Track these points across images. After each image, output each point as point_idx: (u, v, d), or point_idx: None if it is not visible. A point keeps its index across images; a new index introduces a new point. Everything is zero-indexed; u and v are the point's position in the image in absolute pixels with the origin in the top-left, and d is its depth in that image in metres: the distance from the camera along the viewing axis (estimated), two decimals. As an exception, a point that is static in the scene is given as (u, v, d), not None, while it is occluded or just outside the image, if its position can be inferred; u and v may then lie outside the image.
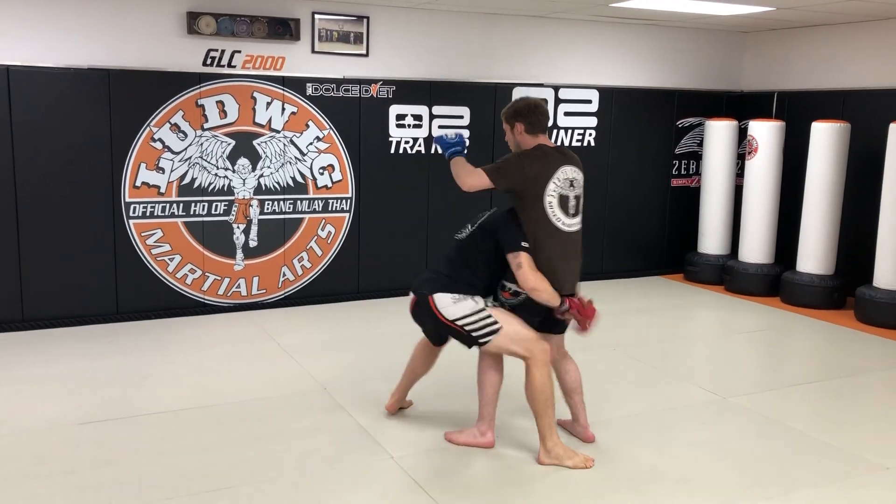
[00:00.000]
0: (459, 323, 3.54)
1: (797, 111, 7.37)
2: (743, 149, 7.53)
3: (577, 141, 7.39)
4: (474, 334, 3.54)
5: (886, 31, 6.82)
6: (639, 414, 4.26)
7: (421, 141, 6.70)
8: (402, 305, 6.48)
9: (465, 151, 3.72)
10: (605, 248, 7.76)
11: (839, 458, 3.78)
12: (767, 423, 4.20)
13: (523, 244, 3.50)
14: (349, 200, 6.51)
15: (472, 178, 3.58)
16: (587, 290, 7.66)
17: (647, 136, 7.81)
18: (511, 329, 3.53)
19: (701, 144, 7.92)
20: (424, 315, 3.69)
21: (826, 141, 6.64)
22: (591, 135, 7.47)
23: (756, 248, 7.26)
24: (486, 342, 3.55)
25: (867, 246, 6.51)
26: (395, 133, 6.60)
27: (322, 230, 6.44)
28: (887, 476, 3.60)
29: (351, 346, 5.39)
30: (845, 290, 6.76)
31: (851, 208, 6.86)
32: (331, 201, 6.44)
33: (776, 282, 7.11)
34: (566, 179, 3.60)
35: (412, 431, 3.93)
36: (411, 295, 3.76)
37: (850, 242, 6.89)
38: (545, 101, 3.88)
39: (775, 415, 4.30)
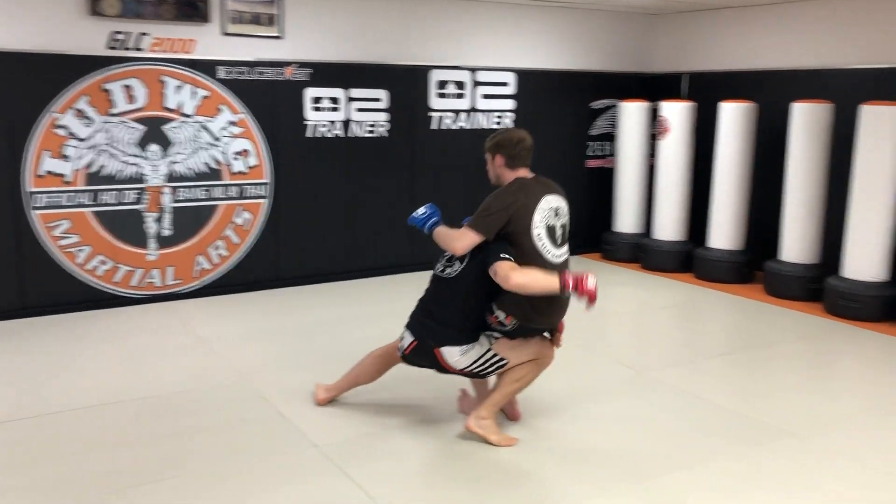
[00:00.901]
0: (468, 370, 3.57)
1: (706, 92, 7.58)
2: (655, 129, 7.71)
3: (496, 123, 7.43)
4: (483, 373, 3.61)
5: (791, 14, 7.08)
6: (559, 391, 4.32)
7: (339, 124, 6.61)
8: (323, 293, 6.53)
9: (440, 219, 3.64)
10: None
11: (751, 427, 3.94)
12: (683, 395, 4.33)
13: (502, 255, 3.41)
14: (266, 186, 6.37)
15: (460, 242, 3.46)
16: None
17: (563, 118, 7.91)
18: (517, 356, 3.59)
19: (615, 126, 8.07)
20: (424, 358, 3.65)
21: (734, 120, 6.86)
22: (508, 117, 7.51)
23: (669, 226, 7.47)
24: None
25: (774, 221, 6.77)
26: (311, 116, 6.49)
27: (238, 217, 6.29)
28: (796, 442, 3.77)
29: (272, 336, 5.30)
30: (754, 264, 7.02)
31: (759, 185, 7.11)
32: (247, 187, 6.29)
33: (689, 258, 7.33)
34: (550, 209, 3.56)
35: (336, 420, 3.90)
36: (408, 337, 3.66)
37: (758, 218, 7.15)
38: (526, 132, 3.77)
39: (690, 388, 4.44)
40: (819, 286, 6.23)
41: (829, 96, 6.40)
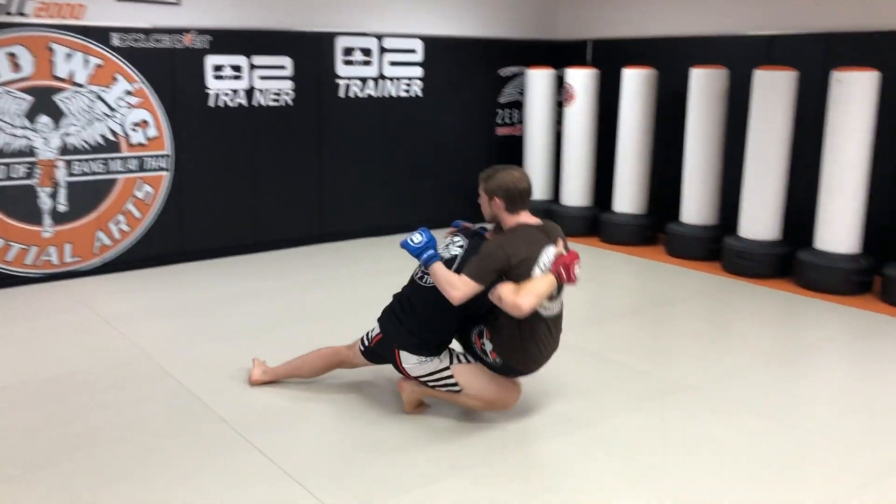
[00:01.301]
0: (422, 379, 3.51)
1: (610, 58, 7.72)
2: (561, 97, 7.81)
3: (404, 91, 7.38)
4: (433, 387, 3.52)
5: (686, -18, 7.26)
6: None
7: (241, 93, 6.44)
8: (229, 267, 6.39)
9: (436, 252, 3.35)
10: (434, 198, 7.86)
11: (653, 382, 4.09)
12: (589, 355, 4.45)
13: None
14: (167, 158, 6.17)
15: (457, 291, 3.23)
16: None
17: (472, 85, 7.92)
18: (475, 389, 3.45)
19: (523, 93, 8.14)
20: (385, 353, 3.58)
21: (635, 86, 7.02)
22: (416, 85, 7.47)
23: (576, 191, 7.61)
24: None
25: (675, 185, 6.98)
26: (213, 85, 6.29)
27: (139, 191, 6.07)
28: (695, 394, 3.93)
29: (177, 312, 5.17)
30: (657, 227, 7.24)
31: (660, 150, 7.31)
32: (147, 159, 6.07)
33: (596, 223, 7.50)
34: (550, 262, 3.42)
35: (245, 394, 3.85)
36: (377, 329, 3.61)
37: (660, 182, 7.36)
38: (526, 174, 3.54)
39: (596, 348, 4.57)
40: (717, 246, 6.48)
41: (726, 62, 6.61)
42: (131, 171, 6.01)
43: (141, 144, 6.02)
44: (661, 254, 6.90)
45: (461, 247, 3.49)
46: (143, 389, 3.91)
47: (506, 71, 8.15)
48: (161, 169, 6.15)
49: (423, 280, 3.50)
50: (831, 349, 4.73)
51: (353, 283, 5.89)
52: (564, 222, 7.52)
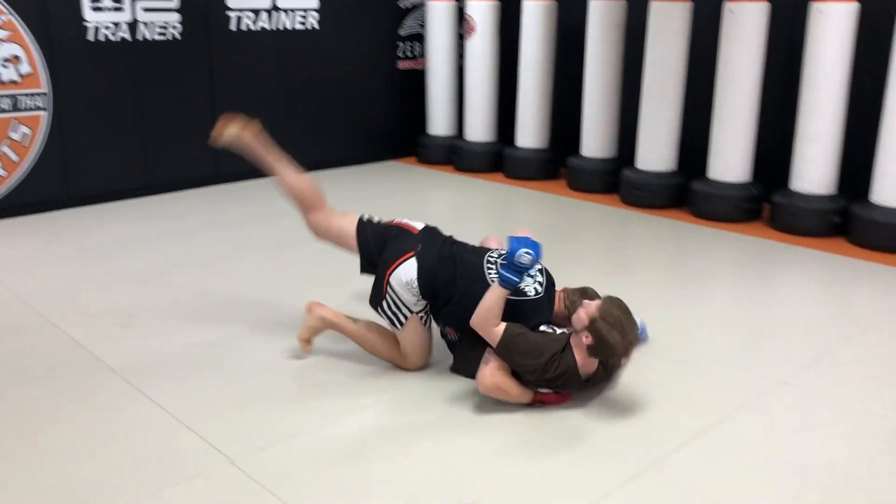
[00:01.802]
0: (388, 290, 3.24)
1: (510, -9, 7.61)
2: (462, 29, 7.68)
3: (300, 24, 7.10)
4: (383, 304, 3.28)
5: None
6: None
7: (124, 26, 6.05)
8: (119, 211, 6.10)
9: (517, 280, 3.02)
10: (337, 136, 7.68)
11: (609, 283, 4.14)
12: (491, 289, 4.46)
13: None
14: (44, 97, 5.77)
15: (484, 330, 3.01)
16: (324, 178, 7.57)
17: (371, 17, 7.69)
18: (407, 342, 3.31)
19: (423, 25, 7.96)
20: (393, 244, 3.33)
21: (536, 19, 6.95)
22: (312, 16, 7.20)
23: (479, 126, 7.56)
24: (382, 317, 3.33)
25: (575, 119, 7.01)
26: (91, 17, 5.89)
27: (15, 132, 5.68)
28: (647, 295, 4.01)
29: (61, 260, 4.90)
30: (559, 161, 7.28)
31: (561, 84, 7.32)
32: (21, 98, 5.66)
33: (499, 158, 7.49)
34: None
35: (135, 344, 3.69)
36: (419, 224, 3.45)
37: (561, 116, 7.38)
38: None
39: (498, 281, 4.58)
40: (616, 179, 6.58)
41: (623, -6, 6.60)
42: (4, 111, 5.60)
43: (13, 82, 5.60)
44: (562, 188, 6.97)
45: (539, 285, 3.26)
46: (26, 340, 3.70)
47: (405, 2, 7.95)
48: (38, 108, 5.75)
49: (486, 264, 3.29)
50: (721, 274, 4.89)
51: (248, 224, 5.72)
52: (469, 158, 7.52)
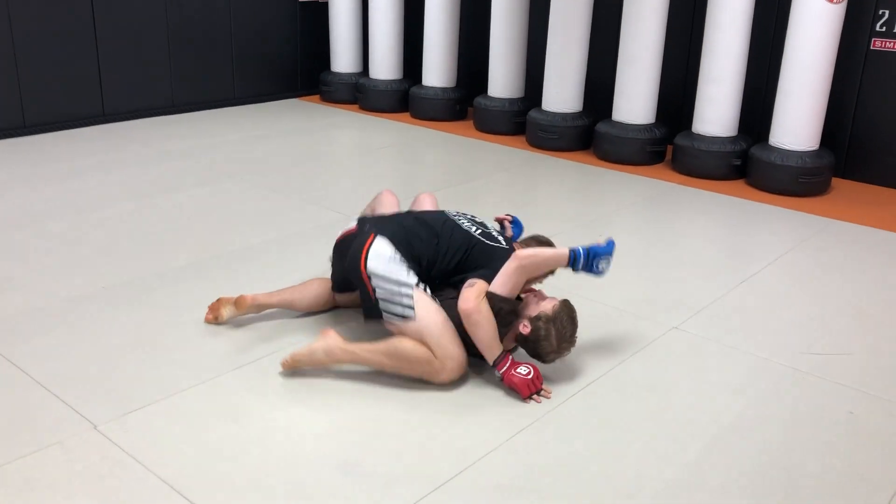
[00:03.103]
0: (373, 282, 2.85)
1: (416, -79, 7.28)
2: (367, -39, 7.32)
3: (190, -49, 6.63)
4: (381, 305, 2.85)
5: None
6: (267, 242, 4.12)
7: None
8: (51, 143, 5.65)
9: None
10: (236, 73, 7.28)
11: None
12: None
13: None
14: None
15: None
16: (219, 117, 7.19)
17: (268, -54, 7.26)
18: (428, 323, 2.76)
19: (325, -44, 7.56)
20: (348, 249, 2.98)
21: (441, -48, 6.67)
22: (204, -56, 6.73)
23: (385, 64, 7.28)
24: (389, 322, 2.86)
25: (483, 57, 6.82)
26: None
27: None
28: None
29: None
30: (466, 101, 7.10)
31: (469, 21, 7.09)
32: None
33: (405, 97, 7.25)
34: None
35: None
36: (353, 223, 3.07)
37: (469, 55, 7.18)
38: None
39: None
40: (523, 120, 6.45)
41: (531, -73, 6.38)
42: None
43: None
44: (469, 129, 6.81)
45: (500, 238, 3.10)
46: None
47: (306, -69, 7.53)
48: None
49: (460, 219, 3.09)
50: (622, 217, 4.85)
51: (132, 167, 5.37)
52: (374, 97, 7.26)
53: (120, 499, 2.20)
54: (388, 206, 3.39)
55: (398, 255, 2.87)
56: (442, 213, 3.19)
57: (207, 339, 3.10)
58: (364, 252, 2.89)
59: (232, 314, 3.15)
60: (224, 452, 2.42)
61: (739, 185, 5.44)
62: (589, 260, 2.92)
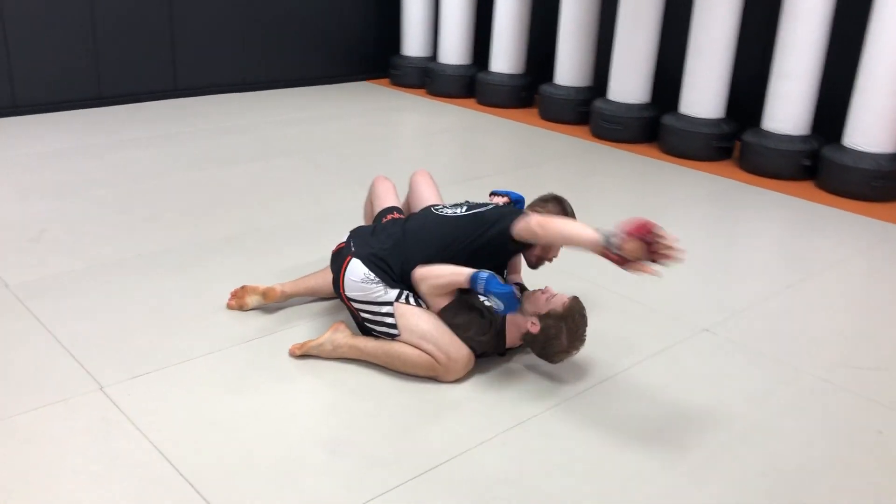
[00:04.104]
0: (355, 305, 2.84)
1: None
2: (442, -56, 7.27)
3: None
4: (368, 326, 2.83)
5: None
6: (307, 219, 4.15)
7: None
8: (66, 122, 5.86)
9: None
10: (307, 53, 7.37)
11: None
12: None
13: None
14: (-14, -3, 5.51)
15: (433, 301, 2.74)
16: (287, 96, 7.27)
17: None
18: (414, 331, 2.71)
19: (402, -61, 7.55)
20: (335, 264, 2.94)
21: (515, -64, 6.56)
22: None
23: (454, 49, 7.24)
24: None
25: (551, 45, 6.69)
26: (36, -86, 5.57)
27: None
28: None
29: (2, 166, 4.74)
30: (532, 88, 6.98)
31: (539, 7, 6.96)
32: (-42, -3, 5.40)
33: (472, 83, 7.19)
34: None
35: (36, 257, 3.54)
36: (345, 237, 3.02)
37: (537, 42, 7.04)
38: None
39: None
40: (588, 110, 6.30)
41: (607, -89, 6.20)
42: (-58, 11, 5.35)
43: (-49, -21, 5.33)
44: (533, 116, 6.69)
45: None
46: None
47: (383, -87, 7.53)
48: (-22, 9, 5.49)
49: (441, 210, 2.99)
50: (679, 214, 4.64)
51: (191, 140, 5.50)
52: (441, 81, 7.22)
53: (110, 459, 2.26)
54: (383, 196, 3.32)
55: (371, 274, 2.78)
56: (425, 210, 3.06)
57: (226, 313, 3.14)
58: (341, 277, 2.84)
59: (258, 304, 3.15)
60: (217, 423, 2.45)
61: (808, 186, 5.16)
62: (485, 290, 2.67)
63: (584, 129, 6.29)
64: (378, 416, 2.54)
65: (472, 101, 7.15)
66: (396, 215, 3.18)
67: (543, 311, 2.70)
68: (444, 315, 2.74)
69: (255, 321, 3.09)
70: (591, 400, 2.68)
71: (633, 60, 5.88)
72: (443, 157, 5.69)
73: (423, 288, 2.75)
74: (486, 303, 2.76)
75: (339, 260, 2.91)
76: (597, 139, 6.08)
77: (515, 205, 3.15)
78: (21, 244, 3.67)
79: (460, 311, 2.75)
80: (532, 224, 2.68)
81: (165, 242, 3.78)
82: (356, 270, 2.81)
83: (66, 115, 5.91)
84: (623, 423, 2.56)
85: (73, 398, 2.53)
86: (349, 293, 2.83)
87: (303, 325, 3.06)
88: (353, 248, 2.89)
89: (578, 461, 2.36)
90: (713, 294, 3.56)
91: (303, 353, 2.84)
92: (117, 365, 2.73)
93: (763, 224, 4.60)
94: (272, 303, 3.17)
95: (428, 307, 2.78)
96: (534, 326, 2.71)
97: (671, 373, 2.88)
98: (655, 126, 5.92)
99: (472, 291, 2.74)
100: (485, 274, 2.67)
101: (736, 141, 5.67)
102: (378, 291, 2.78)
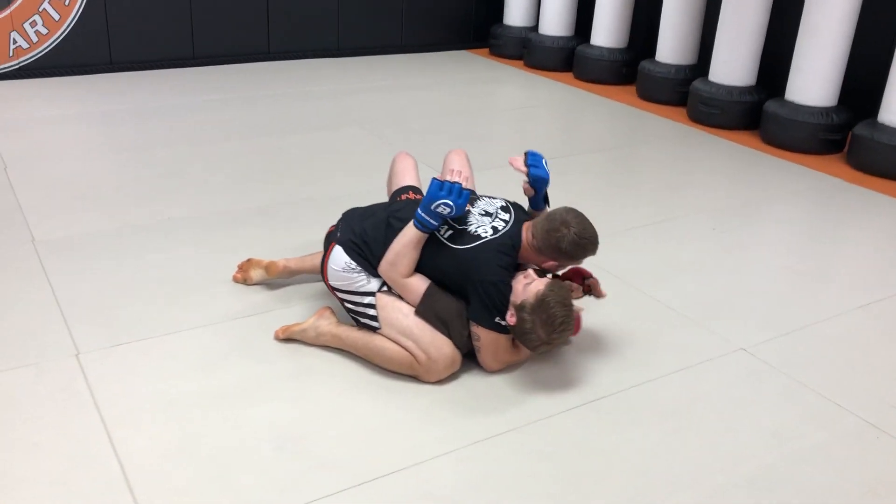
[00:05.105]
0: (339, 295, 2.70)
1: None
2: None
3: None
4: (352, 316, 2.70)
5: None
6: (350, 194, 4.01)
7: None
8: (157, 80, 6.00)
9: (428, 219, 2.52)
10: (406, 20, 7.22)
11: (619, 213, 3.94)
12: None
13: (498, 321, 2.48)
14: (85, -45, 5.68)
15: (405, 288, 2.55)
16: (381, 63, 7.13)
17: None
18: (395, 325, 2.54)
19: None
20: (325, 246, 2.83)
21: None
22: None
23: (555, 19, 6.86)
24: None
25: (657, 18, 6.20)
26: None
27: (54, -10, 5.65)
28: (678, 224, 3.70)
29: (62, 124, 4.85)
30: (634, 64, 6.52)
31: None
32: (59, -45, 5.59)
33: (571, 56, 6.81)
34: None
35: (70, 215, 3.59)
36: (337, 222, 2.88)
37: (642, 14, 6.56)
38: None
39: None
40: (687, 90, 5.80)
41: None
42: (44, -32, 5.56)
43: (53, -62, 5.52)
44: (630, 95, 6.26)
45: (497, 224, 2.59)
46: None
47: None
48: (78, -33, 5.67)
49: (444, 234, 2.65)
50: (761, 209, 4.17)
51: (265, 104, 5.48)
52: (539, 53, 6.88)
53: (53, 431, 2.21)
54: (402, 174, 3.12)
55: (353, 263, 2.62)
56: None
57: (229, 286, 3.06)
58: (324, 265, 2.70)
59: (262, 278, 3.06)
60: (174, 403, 2.36)
61: (926, 190, 4.53)
62: (428, 215, 2.49)
63: (682, 112, 5.81)
64: (342, 414, 2.38)
65: (569, 76, 6.78)
66: (412, 195, 2.99)
67: (518, 300, 2.44)
68: (424, 305, 2.52)
69: (255, 297, 3.00)
70: (580, 418, 2.41)
71: (737, 38, 5.34)
72: (515, 135, 5.40)
73: (393, 275, 2.55)
74: (442, 211, 2.49)
75: (326, 245, 2.76)
76: (693, 123, 5.60)
77: (537, 182, 2.75)
78: (63, 200, 3.74)
79: (438, 303, 2.53)
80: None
81: (201, 208, 3.75)
82: (338, 259, 2.65)
83: (158, 74, 6.04)
84: (609, 450, 2.28)
85: (46, 363, 2.51)
86: (332, 282, 2.69)
87: (299, 306, 2.93)
88: (338, 234, 2.72)
89: (540, 486, 2.11)
90: (765, 308, 3.15)
91: (287, 337, 2.71)
92: (102, 332, 2.70)
93: (862, 232, 4.06)
94: (275, 278, 3.06)
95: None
96: (511, 317, 2.45)
97: (686, 396, 2.55)
98: (757, 112, 5.37)
99: (438, 243, 2.56)
100: (418, 211, 2.51)
101: (847, 133, 5.05)
102: (360, 281, 2.62)
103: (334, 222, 2.85)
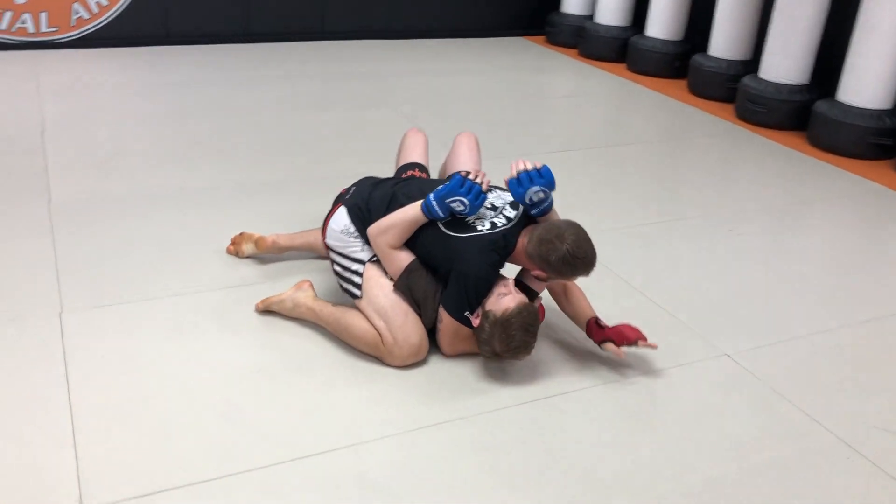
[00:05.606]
0: (331, 255, 2.73)
1: None
2: None
3: None
4: (337, 280, 2.72)
5: None
6: (357, 174, 4.02)
7: None
8: (210, 54, 6.14)
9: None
10: (464, 4, 7.18)
11: (635, 209, 3.86)
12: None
13: (467, 315, 2.46)
14: (145, -70, 5.85)
15: (389, 257, 2.56)
16: (432, 47, 7.12)
17: None
18: (374, 300, 2.54)
19: None
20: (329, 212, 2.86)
21: None
22: None
23: (611, 7, 6.71)
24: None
25: (711, 11, 5.98)
26: None
27: (113, -37, 5.84)
28: (694, 224, 3.72)
29: (108, 91, 5.04)
30: (688, 57, 6.31)
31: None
32: (118, -71, 5.78)
33: (625, 46, 6.64)
34: None
35: (92, 181, 3.72)
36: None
37: (697, 6, 6.33)
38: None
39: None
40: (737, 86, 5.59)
41: None
42: (105, -59, 5.76)
43: (115, -88, 5.71)
44: (682, 90, 6.07)
45: (500, 220, 2.55)
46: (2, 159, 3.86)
47: None
48: (137, -59, 5.85)
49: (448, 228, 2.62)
50: (793, 216, 3.99)
51: (306, 83, 5.54)
52: (593, 43, 6.75)
53: (19, 388, 2.30)
54: (410, 150, 3.12)
55: (352, 227, 2.64)
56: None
57: (222, 258, 3.12)
58: (326, 222, 2.73)
59: (252, 252, 3.11)
60: (139, 369, 2.42)
61: (980, 203, 4.24)
62: (439, 207, 2.47)
63: (731, 109, 5.60)
64: (293, 390, 2.40)
65: (622, 67, 6.62)
66: (417, 173, 2.98)
67: (489, 307, 2.40)
68: (403, 281, 2.52)
69: (243, 270, 3.05)
70: (534, 413, 2.37)
71: (790, 32, 5.11)
72: (557, 127, 5.31)
73: (380, 242, 2.55)
74: (456, 207, 2.47)
75: (333, 203, 2.80)
76: (741, 121, 5.39)
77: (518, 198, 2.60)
78: (87, 166, 3.88)
79: (417, 281, 2.52)
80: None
81: (214, 179, 3.84)
82: (340, 219, 2.69)
83: (211, 49, 6.18)
84: (555, 448, 2.23)
85: (28, 320, 2.62)
86: (328, 240, 2.73)
87: (286, 281, 2.96)
88: (347, 197, 2.76)
89: (472, 484, 2.08)
90: (761, 315, 3.01)
91: (265, 308, 2.76)
92: (89, 293, 2.80)
93: (890, 245, 3.83)
94: (266, 253, 3.11)
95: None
96: (476, 319, 2.42)
97: (652, 398, 2.48)
98: (807, 112, 5.13)
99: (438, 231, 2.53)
100: (430, 196, 2.49)
101: (901, 138, 4.78)
102: (354, 246, 2.65)
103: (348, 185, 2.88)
